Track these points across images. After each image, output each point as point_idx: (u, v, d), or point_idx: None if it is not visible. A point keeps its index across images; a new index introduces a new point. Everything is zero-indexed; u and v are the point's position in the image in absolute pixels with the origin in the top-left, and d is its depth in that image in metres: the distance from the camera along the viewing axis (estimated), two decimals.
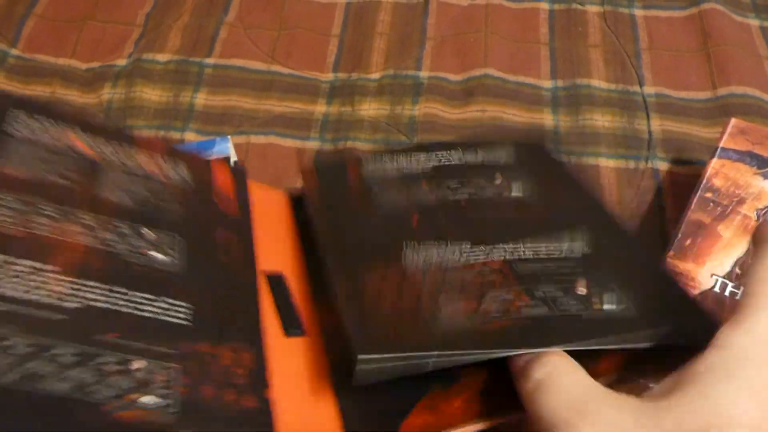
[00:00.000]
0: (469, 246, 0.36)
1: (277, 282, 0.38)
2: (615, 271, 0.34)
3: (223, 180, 0.43)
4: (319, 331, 0.37)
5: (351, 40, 0.67)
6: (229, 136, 0.58)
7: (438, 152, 0.45)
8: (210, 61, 0.66)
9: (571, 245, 0.35)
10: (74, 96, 0.63)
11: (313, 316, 0.38)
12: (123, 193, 0.37)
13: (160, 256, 0.34)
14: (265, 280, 0.38)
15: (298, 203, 0.45)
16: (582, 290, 0.33)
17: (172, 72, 0.65)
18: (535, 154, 0.45)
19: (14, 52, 0.67)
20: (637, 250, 0.36)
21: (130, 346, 0.29)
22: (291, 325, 0.36)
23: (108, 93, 0.63)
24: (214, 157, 0.56)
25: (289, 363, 0.34)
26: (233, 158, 0.57)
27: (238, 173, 0.45)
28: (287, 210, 0.45)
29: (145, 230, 0.35)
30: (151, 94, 0.63)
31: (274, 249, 0.41)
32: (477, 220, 0.38)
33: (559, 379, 0.27)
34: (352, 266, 0.37)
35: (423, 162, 0.44)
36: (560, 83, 0.63)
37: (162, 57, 0.66)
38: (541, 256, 0.35)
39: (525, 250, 0.35)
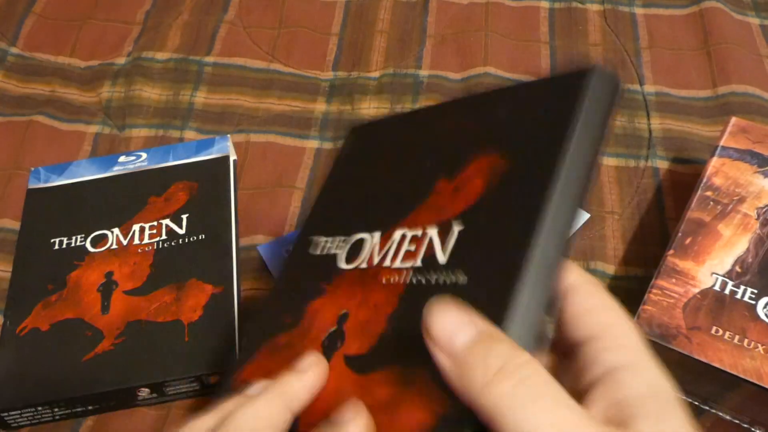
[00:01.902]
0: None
1: None
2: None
3: None
4: None
5: (351, 38, 0.67)
6: (228, 135, 0.58)
7: None
8: (209, 59, 0.65)
9: None
10: (73, 95, 0.63)
11: None
12: None
13: None
14: None
15: None
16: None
17: (171, 70, 0.65)
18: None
19: (14, 50, 0.67)
20: None
21: None
22: None
23: (107, 92, 0.63)
24: (213, 155, 0.56)
25: None
26: (233, 157, 0.57)
27: None
28: None
29: None
30: (151, 93, 0.63)
31: None
32: None
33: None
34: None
35: None
36: None
37: (161, 55, 0.66)
38: None
39: None
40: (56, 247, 0.51)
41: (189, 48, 0.66)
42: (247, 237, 0.54)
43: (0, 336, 0.47)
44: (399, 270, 0.30)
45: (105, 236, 0.51)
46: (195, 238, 0.51)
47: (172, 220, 0.52)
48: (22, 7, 0.70)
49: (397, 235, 0.31)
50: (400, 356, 0.27)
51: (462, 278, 0.27)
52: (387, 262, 0.30)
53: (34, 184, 0.55)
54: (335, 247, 0.34)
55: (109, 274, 0.49)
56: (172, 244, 0.50)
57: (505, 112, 0.31)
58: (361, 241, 0.32)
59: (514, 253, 0.25)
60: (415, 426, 0.24)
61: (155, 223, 0.52)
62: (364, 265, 0.31)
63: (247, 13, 0.69)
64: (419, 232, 0.30)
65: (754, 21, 0.67)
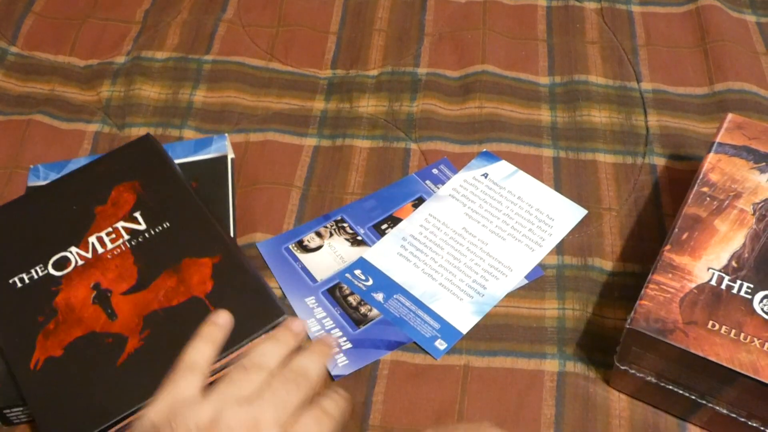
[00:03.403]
0: None
1: None
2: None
3: None
4: None
5: (349, 36, 0.67)
6: (226, 135, 0.58)
7: None
8: (208, 58, 0.66)
9: None
10: (73, 93, 0.64)
11: None
12: None
13: None
14: None
15: None
16: None
17: (170, 69, 0.65)
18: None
19: (13, 49, 0.67)
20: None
21: None
22: None
23: (107, 90, 0.64)
24: (211, 154, 0.56)
25: None
26: (231, 155, 0.57)
27: None
28: None
29: None
30: (150, 92, 0.63)
31: None
32: None
33: None
34: None
35: None
36: (558, 79, 0.63)
37: (161, 54, 0.66)
38: None
39: None
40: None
41: (188, 47, 0.67)
42: (245, 235, 0.54)
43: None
44: (115, 248, 0.49)
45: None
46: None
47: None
48: (21, 6, 0.70)
49: (93, 238, 0.50)
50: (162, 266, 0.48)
51: (167, 225, 0.50)
52: (100, 251, 0.49)
53: (33, 182, 0.55)
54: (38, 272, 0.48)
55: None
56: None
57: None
58: (62, 257, 0.49)
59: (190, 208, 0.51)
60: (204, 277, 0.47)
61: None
62: (81, 262, 0.48)
63: (246, 11, 0.70)
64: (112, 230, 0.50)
65: (751, 18, 0.68)
